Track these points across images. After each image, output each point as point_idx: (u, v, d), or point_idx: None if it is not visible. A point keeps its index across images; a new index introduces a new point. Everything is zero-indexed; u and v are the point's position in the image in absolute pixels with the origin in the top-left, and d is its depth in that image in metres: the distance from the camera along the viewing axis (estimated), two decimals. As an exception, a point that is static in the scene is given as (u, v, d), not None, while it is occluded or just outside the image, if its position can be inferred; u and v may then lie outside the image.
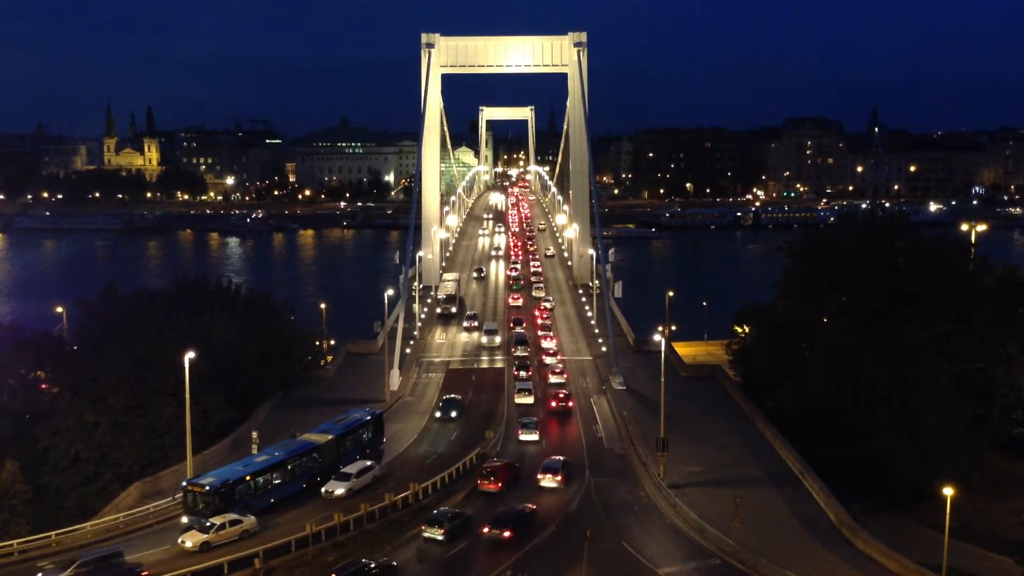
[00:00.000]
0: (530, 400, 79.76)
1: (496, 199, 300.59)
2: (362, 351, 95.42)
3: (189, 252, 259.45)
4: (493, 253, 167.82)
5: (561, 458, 63.04)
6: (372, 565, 46.49)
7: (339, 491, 57.10)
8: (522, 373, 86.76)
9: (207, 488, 52.30)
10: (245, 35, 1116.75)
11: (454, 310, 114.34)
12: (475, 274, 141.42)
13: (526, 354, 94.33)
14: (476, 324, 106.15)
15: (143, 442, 63.80)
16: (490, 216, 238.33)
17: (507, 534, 51.21)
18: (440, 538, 50.84)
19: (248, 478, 54.69)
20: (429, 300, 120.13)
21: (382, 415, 69.92)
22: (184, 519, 52.24)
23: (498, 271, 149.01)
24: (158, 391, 64.88)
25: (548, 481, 60.18)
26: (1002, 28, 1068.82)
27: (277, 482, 56.51)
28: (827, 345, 73.65)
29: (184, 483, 53.96)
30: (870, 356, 67.72)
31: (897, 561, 48.20)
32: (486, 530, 51.77)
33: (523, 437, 70.43)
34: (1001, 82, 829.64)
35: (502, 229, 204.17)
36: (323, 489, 57.39)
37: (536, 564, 48.93)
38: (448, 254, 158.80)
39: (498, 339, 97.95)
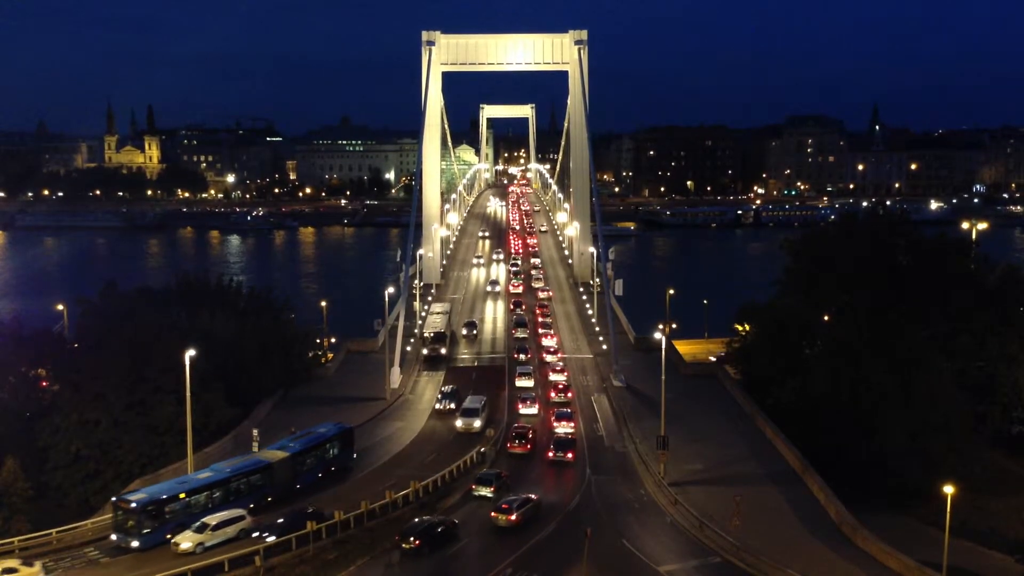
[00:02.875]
0: (530, 383, 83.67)
1: (494, 206, 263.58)
2: (363, 349, 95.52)
3: (190, 250, 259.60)
4: (489, 289, 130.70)
5: (569, 409, 74.18)
6: (436, 521, 51.07)
7: (185, 545, 48.66)
8: (521, 356, 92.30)
9: (133, 505, 49.31)
10: (245, 33, 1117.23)
11: (443, 351, 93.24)
12: (464, 330, 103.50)
13: (525, 336, 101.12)
14: (453, 405, 76.63)
15: (143, 440, 63.76)
16: (486, 233, 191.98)
17: (570, 455, 64.36)
18: (490, 495, 56.79)
19: (182, 496, 51.48)
20: (413, 337, 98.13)
21: (352, 430, 65.44)
22: (113, 536, 49.85)
23: (496, 318, 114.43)
24: (158, 389, 64.85)
25: (563, 427, 69.99)
26: (1003, 26, 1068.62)
27: (219, 501, 52.96)
28: (828, 343, 73.67)
29: (113, 499, 51.31)
30: (871, 354, 67.72)
31: (897, 559, 48.24)
32: (551, 454, 64.30)
33: (523, 411, 75.66)
34: (1002, 80, 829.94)
35: (500, 255, 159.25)
36: (172, 539, 49.62)
37: (537, 562, 48.97)
38: (449, 252, 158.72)
39: (477, 423, 71.28)
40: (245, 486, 54.90)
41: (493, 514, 52.87)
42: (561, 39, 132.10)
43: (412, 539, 49.22)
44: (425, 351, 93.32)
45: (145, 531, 49.10)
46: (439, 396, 79.13)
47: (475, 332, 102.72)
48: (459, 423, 71.95)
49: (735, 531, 51.72)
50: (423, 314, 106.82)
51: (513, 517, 52.10)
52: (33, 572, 45.55)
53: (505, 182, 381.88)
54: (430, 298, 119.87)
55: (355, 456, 64.54)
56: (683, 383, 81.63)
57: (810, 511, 55.80)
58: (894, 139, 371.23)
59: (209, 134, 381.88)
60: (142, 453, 63.63)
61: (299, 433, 62.87)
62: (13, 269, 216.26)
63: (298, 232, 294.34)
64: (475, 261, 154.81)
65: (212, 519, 50.32)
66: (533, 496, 55.11)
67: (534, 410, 75.57)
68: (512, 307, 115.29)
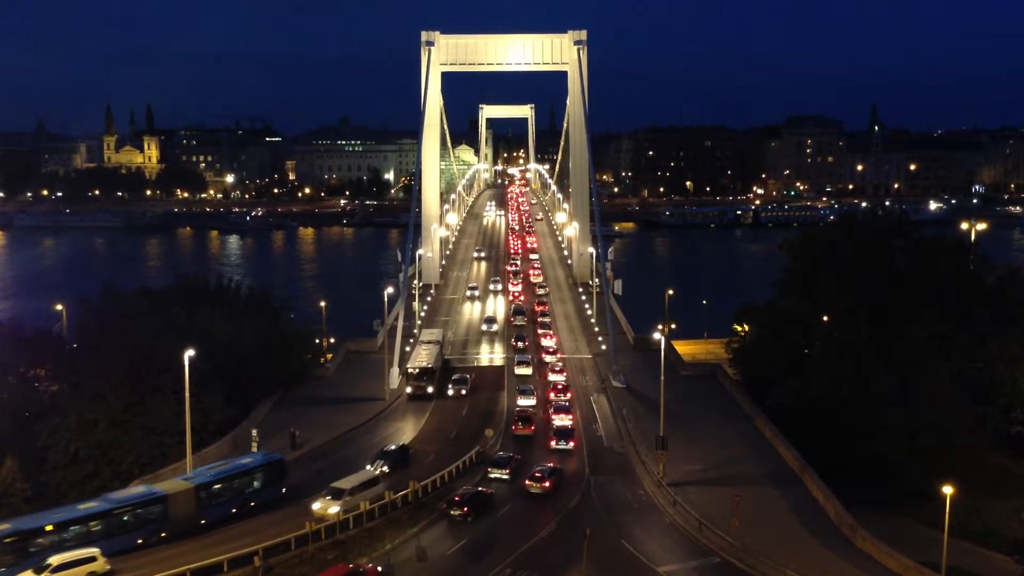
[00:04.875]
0: (528, 371, 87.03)
1: (491, 216, 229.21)
2: (362, 349, 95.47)
3: (189, 250, 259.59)
4: (485, 328, 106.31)
5: (567, 403, 75.39)
6: (478, 491, 56.81)
7: None
8: (520, 344, 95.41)
9: None
10: (245, 33, 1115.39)
11: (430, 390, 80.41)
12: (451, 388, 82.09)
13: (523, 323, 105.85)
14: (386, 468, 60.95)
15: (142, 440, 63.73)
16: (482, 254, 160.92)
17: (572, 444, 67.80)
18: (506, 477, 60.81)
19: (49, 528, 46.85)
20: (399, 372, 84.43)
21: (282, 461, 58.89)
22: None
23: (494, 368, 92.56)
24: (158, 389, 64.86)
25: (561, 420, 71.25)
26: (1002, 26, 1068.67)
27: (101, 535, 48.20)
28: (827, 344, 73.67)
29: None
30: (870, 355, 67.71)
31: (896, 560, 48.28)
32: (553, 443, 67.46)
33: (521, 402, 77.43)
34: (1001, 80, 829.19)
35: (498, 284, 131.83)
36: None
37: (537, 562, 48.99)
38: (448, 252, 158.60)
39: (335, 509, 52.67)
40: (133, 519, 49.93)
41: (527, 482, 58.71)
42: (560, 39, 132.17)
43: (462, 507, 54.17)
44: (409, 389, 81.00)
45: (3, 567, 44.88)
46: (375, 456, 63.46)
47: (463, 391, 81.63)
48: (315, 505, 53.84)
49: (734, 531, 51.72)
50: (412, 340, 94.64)
51: (547, 484, 58.24)
52: None
53: (505, 182, 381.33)
54: (419, 324, 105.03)
55: (283, 491, 57.19)
56: (682, 383, 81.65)
57: (809, 511, 55.84)
58: (893, 139, 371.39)
59: (208, 134, 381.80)
60: (141, 453, 63.61)
61: (220, 463, 57.90)
62: (12, 269, 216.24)
63: (297, 232, 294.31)
64: (468, 293, 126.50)
65: (57, 559, 45.21)
66: (558, 466, 61.87)
67: (532, 401, 77.56)
68: (511, 299, 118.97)
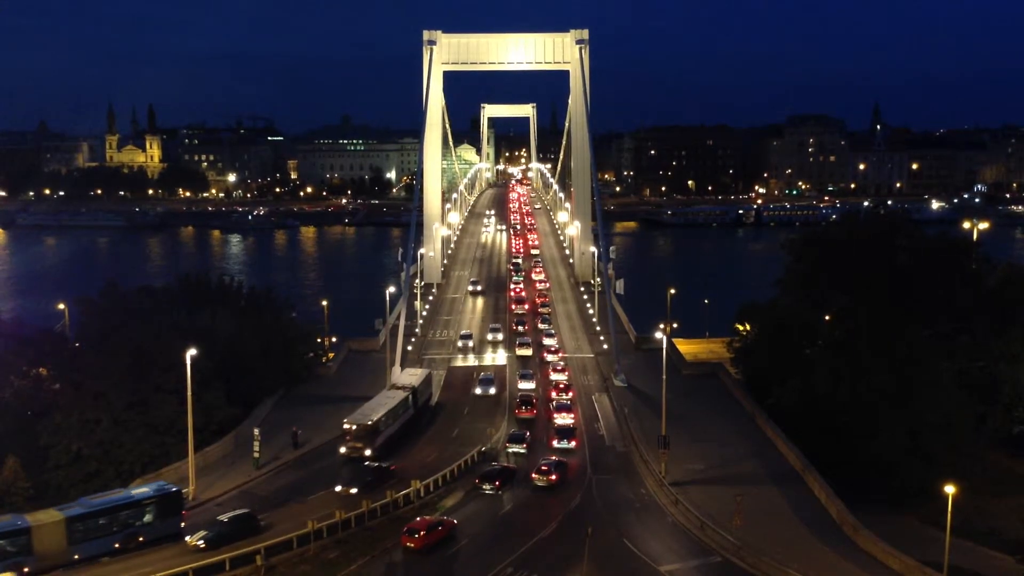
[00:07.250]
0: (528, 352, 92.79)
1: (490, 232, 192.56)
2: (364, 348, 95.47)
3: (191, 249, 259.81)
4: (480, 392, 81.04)
5: (568, 402, 75.82)
6: (503, 467, 61.35)
7: None
8: (520, 328, 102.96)
9: None
10: (247, 32, 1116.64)
11: (368, 452, 62.63)
12: (340, 484, 58.49)
13: (524, 312, 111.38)
14: (203, 543, 48.99)
15: (144, 439, 63.85)
16: (478, 287, 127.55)
17: (573, 443, 67.96)
18: (524, 451, 65.54)
19: None
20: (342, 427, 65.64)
21: (179, 493, 53.11)
22: None
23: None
24: (160, 388, 64.93)
25: (563, 419, 71.72)
26: (1004, 25, 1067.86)
27: None
28: (829, 343, 73.64)
29: None
30: (871, 354, 67.70)
31: (898, 559, 48.25)
32: (555, 442, 67.67)
33: (522, 386, 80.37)
34: (1003, 79, 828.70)
35: (499, 333, 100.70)
36: None
37: (537, 562, 49.00)
38: (450, 251, 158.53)
39: None
40: None
41: (534, 475, 60.03)
42: (562, 38, 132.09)
43: (495, 482, 58.21)
44: (343, 449, 63.65)
45: None
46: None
47: (353, 491, 56.77)
48: None
49: (736, 530, 51.73)
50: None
51: (553, 477, 59.91)
52: None
53: (510, 183, 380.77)
54: (398, 367, 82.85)
55: (182, 525, 51.72)
56: (684, 383, 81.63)
57: (811, 511, 55.80)
58: (895, 139, 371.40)
59: (210, 133, 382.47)
60: (143, 452, 63.75)
61: (109, 492, 53.29)
62: (14, 268, 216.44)
63: (299, 231, 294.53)
64: (460, 343, 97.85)
65: None
66: (563, 459, 63.40)
67: (532, 385, 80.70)
68: (511, 292, 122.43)
